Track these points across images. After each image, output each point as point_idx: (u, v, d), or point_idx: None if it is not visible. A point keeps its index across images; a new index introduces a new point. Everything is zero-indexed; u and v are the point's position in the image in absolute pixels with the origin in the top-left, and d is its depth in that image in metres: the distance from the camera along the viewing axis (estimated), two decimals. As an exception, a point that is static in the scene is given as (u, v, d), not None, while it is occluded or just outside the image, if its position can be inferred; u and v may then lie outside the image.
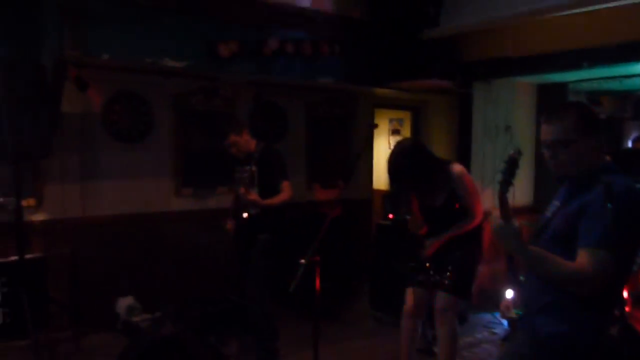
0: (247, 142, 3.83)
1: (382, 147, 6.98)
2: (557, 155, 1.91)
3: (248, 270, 3.88)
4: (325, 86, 5.25)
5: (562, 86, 5.63)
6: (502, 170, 1.83)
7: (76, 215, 4.33)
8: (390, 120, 7.31)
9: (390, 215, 4.59)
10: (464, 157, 5.28)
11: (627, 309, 3.04)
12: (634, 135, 7.26)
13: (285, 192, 3.76)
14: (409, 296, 3.41)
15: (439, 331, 3.31)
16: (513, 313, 2.09)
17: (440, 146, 6.25)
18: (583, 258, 1.77)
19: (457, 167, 3.22)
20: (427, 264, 3.24)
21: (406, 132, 6.99)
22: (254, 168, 3.68)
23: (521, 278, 2.08)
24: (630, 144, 7.16)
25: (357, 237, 5.59)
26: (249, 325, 4.01)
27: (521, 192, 5.66)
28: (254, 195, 3.67)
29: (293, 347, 4.13)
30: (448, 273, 3.14)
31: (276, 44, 4.60)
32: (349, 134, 6.00)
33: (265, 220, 3.81)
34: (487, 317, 4.95)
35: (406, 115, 6.92)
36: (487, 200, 5.33)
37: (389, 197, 3.51)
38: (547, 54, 4.47)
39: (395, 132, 7.28)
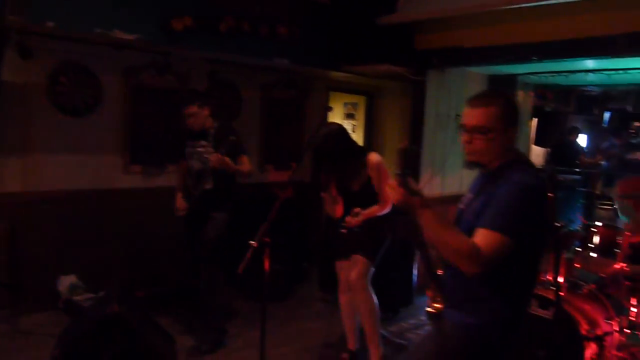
0: (206, 117, 3.82)
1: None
2: (473, 141, 1.91)
3: (198, 248, 3.84)
4: (280, 67, 5.20)
5: (512, 78, 5.80)
6: (397, 162, 1.84)
7: (16, 190, 4.15)
8: (345, 104, 7.33)
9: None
10: (416, 144, 5.36)
11: (561, 293, 3.20)
12: (569, 127, 7.68)
13: (246, 165, 3.81)
14: (339, 273, 3.61)
15: (356, 299, 3.48)
16: (431, 307, 2.11)
17: (393, 132, 6.32)
18: (479, 237, 1.76)
19: (375, 157, 3.43)
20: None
21: (360, 116, 7.03)
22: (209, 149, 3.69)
23: (439, 273, 2.06)
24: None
25: (308, 219, 5.61)
26: (197, 304, 3.99)
27: (451, 181, 5.76)
28: (227, 159, 3.61)
29: (241, 327, 4.15)
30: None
31: (232, 22, 4.50)
32: (303, 116, 5.99)
33: (219, 197, 3.80)
34: (432, 299, 5.10)
35: (361, 100, 6.95)
36: (435, 187, 5.47)
37: (310, 177, 3.60)
38: (498, 46, 4.57)
39: (349, 116, 7.31)
